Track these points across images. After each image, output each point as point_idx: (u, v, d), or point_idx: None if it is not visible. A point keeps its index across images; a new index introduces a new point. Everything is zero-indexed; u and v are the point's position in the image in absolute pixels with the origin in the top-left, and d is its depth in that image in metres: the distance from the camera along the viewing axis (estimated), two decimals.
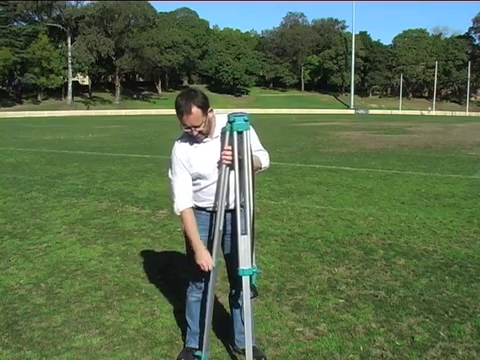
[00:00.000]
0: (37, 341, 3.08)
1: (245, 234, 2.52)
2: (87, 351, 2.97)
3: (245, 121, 2.47)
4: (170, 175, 2.73)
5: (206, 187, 2.68)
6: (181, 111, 2.51)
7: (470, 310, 3.51)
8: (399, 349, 2.97)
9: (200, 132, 2.57)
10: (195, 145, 2.66)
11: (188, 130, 2.56)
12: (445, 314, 3.44)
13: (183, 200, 2.67)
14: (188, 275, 2.97)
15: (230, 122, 2.48)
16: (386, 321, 3.34)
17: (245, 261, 2.53)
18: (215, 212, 2.66)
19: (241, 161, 2.51)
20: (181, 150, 2.67)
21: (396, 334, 3.16)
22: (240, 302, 2.84)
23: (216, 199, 2.67)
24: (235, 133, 2.47)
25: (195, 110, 2.49)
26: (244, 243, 2.52)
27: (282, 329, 3.23)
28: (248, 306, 2.55)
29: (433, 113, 70.41)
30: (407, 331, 3.20)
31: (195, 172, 2.66)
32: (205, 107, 2.53)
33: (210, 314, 2.74)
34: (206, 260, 2.61)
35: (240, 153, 2.50)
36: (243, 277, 2.52)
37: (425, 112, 74.59)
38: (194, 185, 2.71)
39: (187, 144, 2.67)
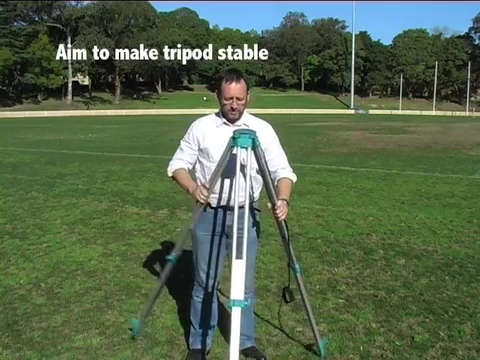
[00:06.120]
0: (37, 341, 3.08)
1: (240, 258, 2.20)
2: (87, 351, 2.96)
3: (251, 139, 2.34)
4: (182, 141, 2.74)
5: (210, 169, 2.61)
6: (229, 79, 2.49)
7: (470, 310, 3.51)
8: (399, 349, 2.97)
9: (237, 108, 2.52)
10: (216, 126, 2.62)
11: (228, 102, 2.51)
12: (445, 314, 3.44)
13: (178, 164, 2.69)
14: (192, 275, 2.94)
15: (234, 138, 2.38)
16: (386, 321, 3.34)
17: (237, 290, 2.14)
18: (217, 208, 2.65)
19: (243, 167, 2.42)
20: (199, 126, 2.67)
21: (396, 334, 3.15)
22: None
23: (221, 193, 2.60)
24: (239, 148, 2.36)
25: (243, 82, 2.52)
26: (237, 269, 2.18)
27: (282, 329, 3.23)
28: (236, 341, 2.16)
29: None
30: (407, 331, 3.20)
31: (205, 147, 2.62)
32: (248, 85, 2.56)
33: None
34: (203, 192, 2.43)
35: (244, 160, 2.39)
36: (233, 308, 2.12)
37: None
38: (199, 162, 2.68)
39: (208, 122, 2.65)
